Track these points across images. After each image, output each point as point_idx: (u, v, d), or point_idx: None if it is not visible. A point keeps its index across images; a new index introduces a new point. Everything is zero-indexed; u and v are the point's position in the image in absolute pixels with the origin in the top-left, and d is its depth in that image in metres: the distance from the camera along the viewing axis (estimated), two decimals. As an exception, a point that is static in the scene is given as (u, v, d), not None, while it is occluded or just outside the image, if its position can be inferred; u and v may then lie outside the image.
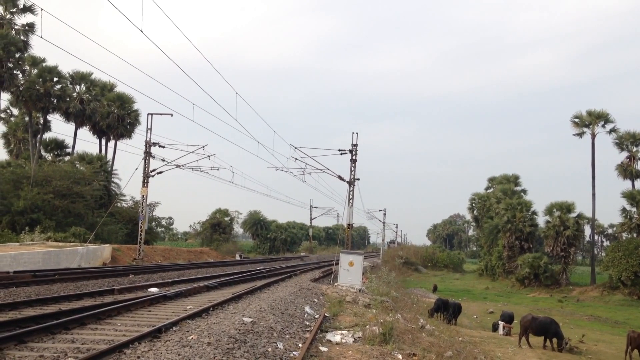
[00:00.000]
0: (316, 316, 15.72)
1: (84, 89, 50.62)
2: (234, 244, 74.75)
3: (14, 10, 42.67)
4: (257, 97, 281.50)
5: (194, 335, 10.26)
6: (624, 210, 53.94)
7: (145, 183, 37.59)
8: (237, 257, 55.39)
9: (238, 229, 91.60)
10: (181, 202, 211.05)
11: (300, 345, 11.28)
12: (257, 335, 11.02)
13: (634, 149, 56.08)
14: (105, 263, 32.61)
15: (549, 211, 59.65)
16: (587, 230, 66.98)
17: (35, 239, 34.03)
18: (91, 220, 41.87)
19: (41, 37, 19.03)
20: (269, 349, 10.19)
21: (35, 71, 44.90)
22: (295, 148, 35.20)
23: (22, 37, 42.12)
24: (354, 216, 34.12)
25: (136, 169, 37.10)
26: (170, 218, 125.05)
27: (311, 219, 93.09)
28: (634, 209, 53.09)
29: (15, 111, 56.35)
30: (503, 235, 64.95)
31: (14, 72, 41.28)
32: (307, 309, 16.56)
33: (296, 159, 35.93)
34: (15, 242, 32.33)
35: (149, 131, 37.20)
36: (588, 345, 24.28)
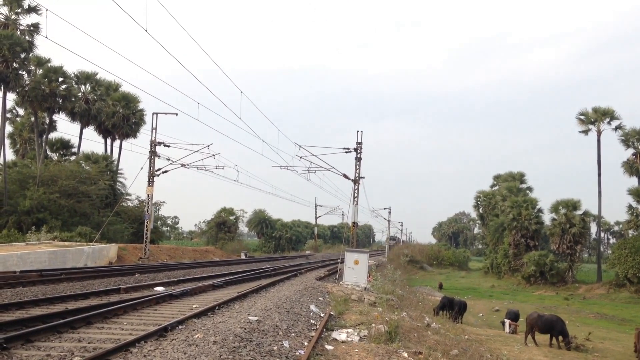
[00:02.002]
0: (322, 315, 15.72)
1: (89, 88, 50.73)
2: (239, 243, 74.75)
3: (19, 10, 42.76)
4: (261, 95, 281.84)
5: (200, 334, 10.28)
6: (630, 207, 53.73)
7: (150, 182, 37.68)
8: (243, 256, 55.44)
9: (243, 228, 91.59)
10: (186, 201, 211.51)
11: (305, 343, 11.29)
12: (263, 334, 11.03)
13: (640, 146, 55.78)
14: (111, 262, 32.71)
15: (555, 209, 59.48)
16: (593, 228, 66.93)
17: (42, 238, 34.15)
18: (97, 220, 42.02)
19: (46, 37, 19.14)
20: (275, 348, 10.21)
21: (40, 71, 45.03)
22: (300, 147, 35.20)
23: (27, 37, 42.21)
24: (359, 214, 34.11)
25: (141, 168, 37.23)
26: (175, 217, 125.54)
27: (316, 218, 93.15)
28: (641, 206, 52.87)
29: (21, 111, 56.61)
30: (509, 233, 64.80)
31: (20, 72, 41.37)
32: (312, 307, 16.57)
33: (301, 157, 35.92)
34: (21, 241, 32.47)
35: (154, 130, 37.31)
36: (594, 343, 24.21)
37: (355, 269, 25.93)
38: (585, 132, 58.72)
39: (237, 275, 25.40)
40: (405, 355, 11.79)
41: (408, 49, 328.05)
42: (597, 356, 21.91)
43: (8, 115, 51.86)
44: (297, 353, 10.26)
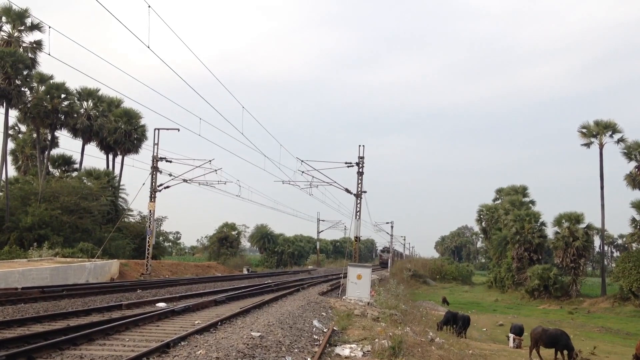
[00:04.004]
0: (325, 330, 15.62)
1: (91, 105, 50.94)
2: (242, 258, 74.59)
3: (22, 28, 43.06)
4: (263, 110, 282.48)
5: (203, 350, 10.22)
6: (633, 220, 53.54)
7: (152, 198, 37.66)
8: (245, 271, 55.28)
9: (245, 243, 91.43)
10: (188, 216, 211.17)
11: (309, 359, 11.20)
12: (266, 350, 10.96)
13: (643, 159, 55.62)
14: (113, 278, 32.60)
15: (558, 222, 59.30)
16: (597, 241, 66.57)
17: (43, 254, 34.10)
18: (99, 236, 41.96)
19: (49, 54, 19.24)
20: (278, 364, 10.13)
21: (43, 88, 45.24)
22: (302, 161, 35.24)
23: (30, 54, 42.46)
24: (361, 229, 34.08)
25: (143, 184, 37.22)
26: (177, 232, 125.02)
27: (318, 232, 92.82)
28: (644, 219, 52.67)
29: (23, 128, 56.74)
30: (512, 246, 64.55)
31: (22, 89, 41.54)
32: (315, 322, 16.47)
33: (303, 172, 35.94)
34: (23, 258, 32.41)
35: (155, 146, 37.37)
36: (600, 357, 24.03)
37: (358, 283, 25.82)
38: (588, 145, 58.75)
39: (240, 291, 25.29)
40: (410, 370, 11.68)
41: (409, 62, 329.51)
42: (603, 371, 21.71)
43: (10, 131, 52.10)
44: (301, 369, 10.19)
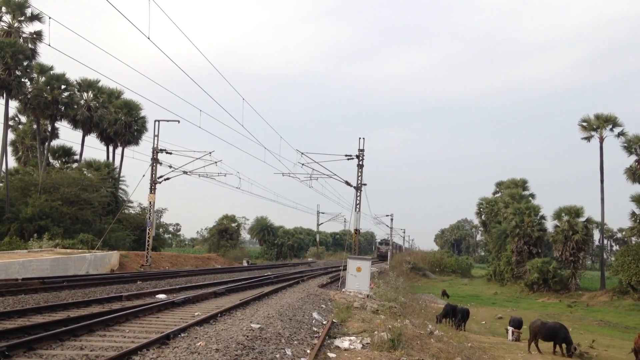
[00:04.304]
0: (324, 322, 15.66)
1: (92, 96, 50.87)
2: (241, 250, 74.72)
3: (22, 18, 42.94)
4: (263, 102, 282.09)
5: (202, 341, 10.25)
6: (633, 214, 53.54)
7: (152, 189, 37.65)
8: (245, 263, 55.36)
9: (245, 235, 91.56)
10: (188, 208, 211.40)
11: (308, 351, 11.24)
12: (265, 342, 10.99)
13: (643, 153, 55.56)
14: (113, 270, 32.67)
15: (558, 215, 59.31)
16: (596, 235, 66.61)
17: (44, 246, 34.15)
18: (99, 227, 42.02)
19: (49, 45, 19.15)
20: (277, 356, 10.16)
21: (43, 79, 45.19)
22: (302, 154, 35.21)
23: (30, 45, 42.36)
24: (361, 221, 34.09)
25: (143, 176, 37.16)
26: (177, 224, 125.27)
27: (318, 225, 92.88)
28: (643, 213, 52.67)
29: (24, 119, 56.71)
30: (511, 240, 64.60)
31: (22, 80, 41.49)
32: (315, 315, 16.51)
33: (303, 164, 35.92)
34: (23, 249, 32.47)
35: (156, 138, 37.29)
36: (598, 351, 24.08)
37: (358, 276, 25.84)
38: (588, 138, 58.66)
39: (239, 283, 25.35)
40: (409, 363, 11.71)
41: (410, 55, 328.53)
42: (601, 364, 21.75)
43: (10, 122, 52.02)
44: (300, 361, 10.21)
